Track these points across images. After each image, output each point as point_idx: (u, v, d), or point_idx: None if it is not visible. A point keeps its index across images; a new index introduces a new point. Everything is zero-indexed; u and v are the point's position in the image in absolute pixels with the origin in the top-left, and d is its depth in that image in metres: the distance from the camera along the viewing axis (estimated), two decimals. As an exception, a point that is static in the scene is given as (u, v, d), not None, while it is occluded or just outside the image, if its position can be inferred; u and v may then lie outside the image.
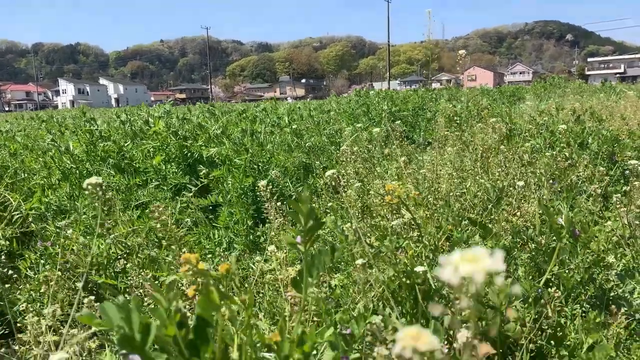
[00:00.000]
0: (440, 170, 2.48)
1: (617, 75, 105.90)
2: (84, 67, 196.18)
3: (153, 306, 0.90)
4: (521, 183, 1.86)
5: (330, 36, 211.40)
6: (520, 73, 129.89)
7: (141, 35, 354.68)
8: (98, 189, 1.09)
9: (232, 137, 3.92)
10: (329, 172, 1.87)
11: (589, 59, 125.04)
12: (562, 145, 3.19)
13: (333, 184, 2.09)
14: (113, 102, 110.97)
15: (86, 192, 1.14)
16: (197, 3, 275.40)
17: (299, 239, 0.85)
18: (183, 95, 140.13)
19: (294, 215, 0.83)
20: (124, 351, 0.63)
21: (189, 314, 0.76)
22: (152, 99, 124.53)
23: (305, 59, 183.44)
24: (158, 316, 0.67)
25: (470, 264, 0.44)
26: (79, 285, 1.85)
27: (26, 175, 3.76)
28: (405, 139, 7.26)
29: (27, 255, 2.72)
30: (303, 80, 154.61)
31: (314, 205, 1.73)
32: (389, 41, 68.29)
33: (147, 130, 4.04)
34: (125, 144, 4.09)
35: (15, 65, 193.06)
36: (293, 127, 4.53)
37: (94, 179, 1.10)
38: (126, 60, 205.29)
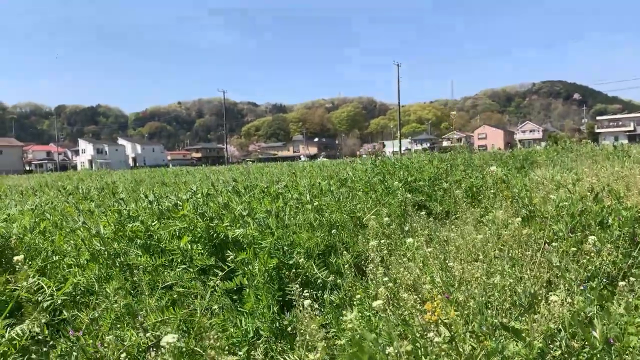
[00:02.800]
0: (468, 266, 2.52)
1: (627, 132, 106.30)
2: (103, 128, 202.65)
3: None
4: (554, 298, 1.89)
5: (342, 97, 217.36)
6: (531, 131, 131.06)
7: (160, 97, 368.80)
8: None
9: (256, 218, 4.02)
10: (375, 303, 1.91)
11: (598, 117, 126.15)
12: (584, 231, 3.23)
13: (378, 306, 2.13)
14: (130, 161, 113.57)
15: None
16: (214, 67, 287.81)
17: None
18: (199, 155, 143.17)
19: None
20: None
21: None
22: (169, 158, 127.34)
23: (318, 119, 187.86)
24: None
25: None
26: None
27: (57, 257, 3.86)
28: (423, 208, 7.35)
29: (58, 345, 2.76)
30: (316, 139, 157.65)
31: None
32: (399, 102, 69.96)
33: (175, 210, 4.16)
34: (153, 224, 4.20)
35: (38, 127, 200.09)
36: (315, 204, 4.63)
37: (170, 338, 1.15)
38: (145, 121, 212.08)
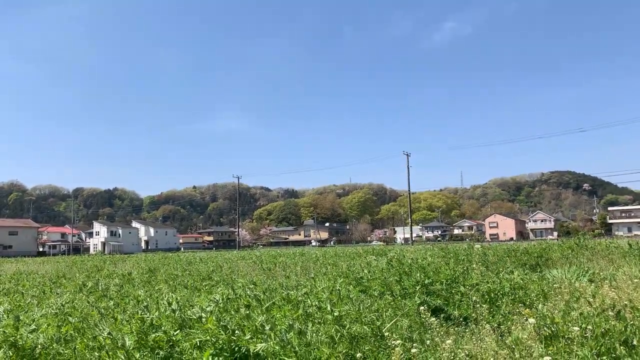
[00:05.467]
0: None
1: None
2: (118, 211, 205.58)
3: None
4: None
5: (352, 184, 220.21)
6: (542, 221, 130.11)
7: (175, 181, 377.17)
8: None
9: (278, 331, 4.06)
10: None
11: (610, 208, 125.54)
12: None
13: None
14: (143, 244, 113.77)
15: None
16: (229, 153, 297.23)
17: None
18: (210, 238, 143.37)
19: None
20: None
21: None
22: (181, 241, 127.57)
23: (329, 205, 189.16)
24: None
25: None
26: None
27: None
28: (440, 312, 7.26)
29: None
30: (327, 224, 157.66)
31: None
32: (409, 190, 70.74)
33: (197, 321, 4.23)
34: (175, 334, 4.25)
35: (55, 209, 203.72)
36: (335, 314, 4.66)
37: None
38: (159, 204, 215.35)
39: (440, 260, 9.35)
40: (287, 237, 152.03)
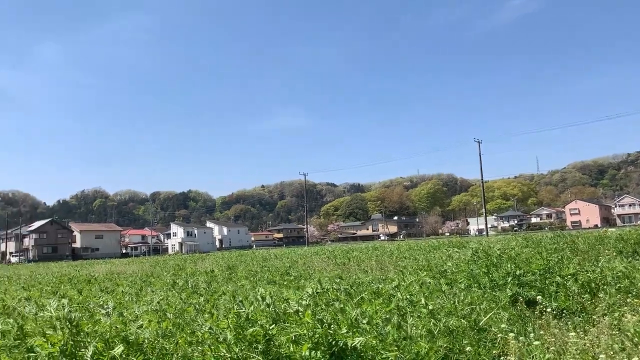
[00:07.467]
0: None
1: None
2: (193, 212, 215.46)
3: None
4: None
5: (420, 175, 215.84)
6: (630, 205, 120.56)
7: (245, 181, 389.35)
8: None
9: (375, 325, 3.97)
10: None
11: None
12: None
13: None
14: (217, 243, 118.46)
15: None
16: (295, 151, 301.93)
17: None
18: (280, 235, 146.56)
19: None
20: None
21: None
22: (252, 239, 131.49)
23: (397, 197, 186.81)
24: None
25: None
26: None
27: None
28: (534, 304, 6.85)
29: None
30: (395, 218, 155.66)
31: None
32: (482, 179, 68.20)
33: (292, 315, 4.23)
34: (270, 328, 4.28)
35: (134, 212, 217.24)
36: (429, 307, 4.51)
37: None
38: (230, 204, 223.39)
39: (530, 250, 8.83)
40: (354, 232, 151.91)
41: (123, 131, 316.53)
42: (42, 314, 4.85)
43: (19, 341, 3.99)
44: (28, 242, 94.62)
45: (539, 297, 5.35)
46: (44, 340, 3.71)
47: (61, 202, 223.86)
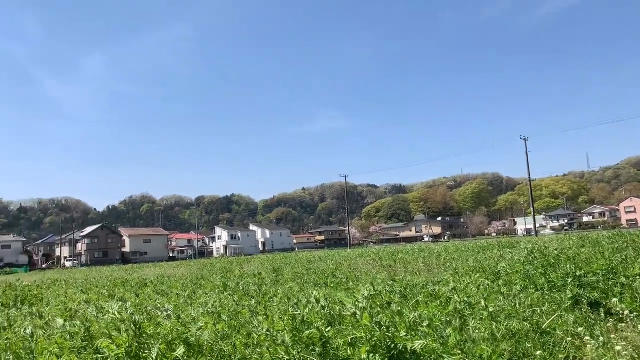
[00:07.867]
0: None
1: None
2: (236, 215, 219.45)
3: None
4: None
5: (464, 174, 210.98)
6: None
7: (286, 184, 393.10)
8: None
9: (435, 327, 3.88)
10: None
11: None
12: None
13: None
14: (260, 246, 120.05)
15: None
16: (335, 154, 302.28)
17: None
18: (322, 237, 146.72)
19: None
20: None
21: None
22: (294, 241, 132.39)
23: (440, 198, 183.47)
24: None
25: None
26: None
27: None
28: (598, 306, 6.52)
29: None
30: (439, 218, 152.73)
31: None
32: (529, 178, 65.96)
33: (349, 317, 4.19)
34: (327, 331, 4.26)
35: (180, 217, 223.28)
36: (490, 310, 4.36)
37: None
38: (272, 207, 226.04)
39: (588, 250, 8.43)
40: (397, 233, 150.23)
41: (172, 138, 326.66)
42: (105, 316, 5.02)
43: (86, 343, 4.13)
44: (81, 247, 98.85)
45: (615, 300, 5.06)
46: (110, 342, 3.83)
47: (110, 207, 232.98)
